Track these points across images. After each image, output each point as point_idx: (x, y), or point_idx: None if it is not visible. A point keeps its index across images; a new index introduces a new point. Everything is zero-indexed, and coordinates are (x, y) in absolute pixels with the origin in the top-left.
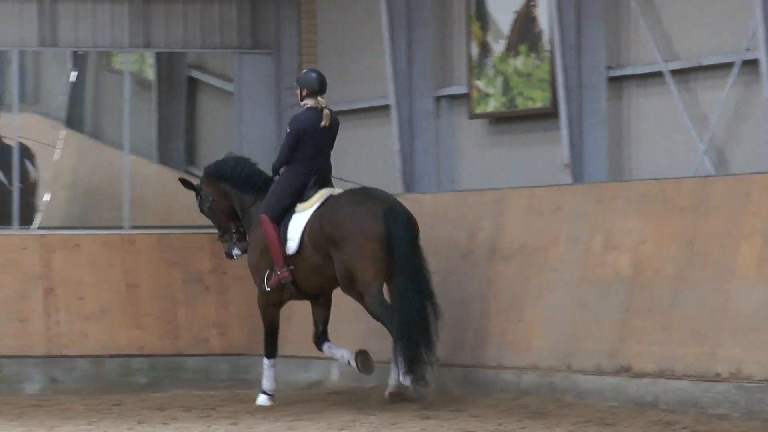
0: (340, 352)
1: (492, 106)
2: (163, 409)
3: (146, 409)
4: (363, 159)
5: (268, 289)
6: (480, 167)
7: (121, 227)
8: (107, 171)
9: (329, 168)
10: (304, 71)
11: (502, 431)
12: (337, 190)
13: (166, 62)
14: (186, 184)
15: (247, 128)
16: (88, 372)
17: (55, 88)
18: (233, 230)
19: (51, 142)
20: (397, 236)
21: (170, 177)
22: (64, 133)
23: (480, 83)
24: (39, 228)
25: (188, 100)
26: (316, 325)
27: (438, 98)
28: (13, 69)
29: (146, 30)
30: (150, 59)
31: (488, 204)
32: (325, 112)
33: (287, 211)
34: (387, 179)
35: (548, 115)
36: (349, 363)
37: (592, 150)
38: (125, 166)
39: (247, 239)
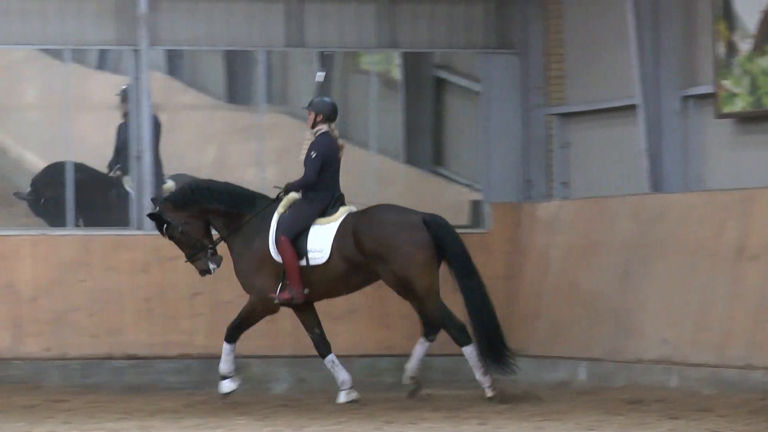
0: (343, 375)
1: (739, 105)
2: (410, 410)
3: (394, 409)
4: (608, 159)
5: (277, 301)
6: (727, 167)
7: None
8: (354, 171)
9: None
10: (317, 97)
11: None
12: (352, 208)
13: (413, 62)
14: (154, 216)
15: (494, 128)
16: None
17: (302, 89)
18: (209, 247)
19: (297, 142)
20: (448, 240)
21: (417, 177)
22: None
23: (727, 83)
24: None
25: (435, 100)
26: (312, 328)
27: (685, 98)
28: (260, 69)
29: (392, 30)
30: (396, 59)
31: (736, 203)
32: (340, 143)
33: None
34: (633, 179)
35: None
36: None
37: None
38: (372, 166)
39: (236, 253)
